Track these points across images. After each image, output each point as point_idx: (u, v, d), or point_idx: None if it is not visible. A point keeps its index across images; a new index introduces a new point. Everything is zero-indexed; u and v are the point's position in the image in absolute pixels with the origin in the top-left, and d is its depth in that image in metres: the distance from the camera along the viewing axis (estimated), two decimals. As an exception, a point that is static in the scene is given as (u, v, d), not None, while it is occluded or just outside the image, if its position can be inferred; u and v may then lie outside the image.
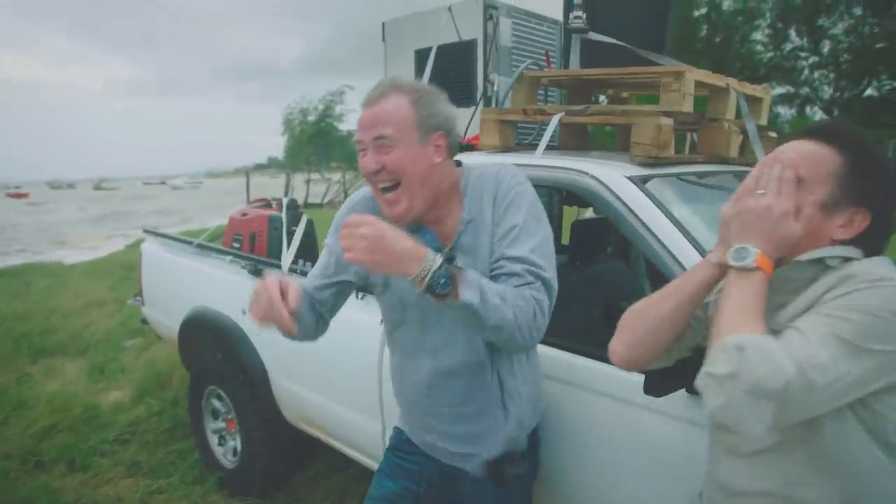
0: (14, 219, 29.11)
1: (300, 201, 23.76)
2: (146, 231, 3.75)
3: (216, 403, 3.08)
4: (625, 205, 1.68)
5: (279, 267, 2.64)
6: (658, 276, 2.38)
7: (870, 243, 1.07)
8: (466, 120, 2.47)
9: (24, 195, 59.41)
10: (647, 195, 1.68)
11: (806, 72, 21.22)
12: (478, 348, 1.40)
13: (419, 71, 2.60)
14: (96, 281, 8.60)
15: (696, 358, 1.32)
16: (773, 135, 2.32)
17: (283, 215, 2.84)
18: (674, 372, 1.35)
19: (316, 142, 23.53)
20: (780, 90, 20.68)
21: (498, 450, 1.45)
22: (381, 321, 1.70)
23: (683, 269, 1.53)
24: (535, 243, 1.30)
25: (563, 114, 1.94)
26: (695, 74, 1.88)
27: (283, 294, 1.26)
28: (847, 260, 1.05)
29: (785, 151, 1.10)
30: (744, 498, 1.11)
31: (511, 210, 1.33)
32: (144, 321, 3.78)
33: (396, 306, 1.48)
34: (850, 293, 0.96)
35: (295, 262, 2.67)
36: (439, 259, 1.18)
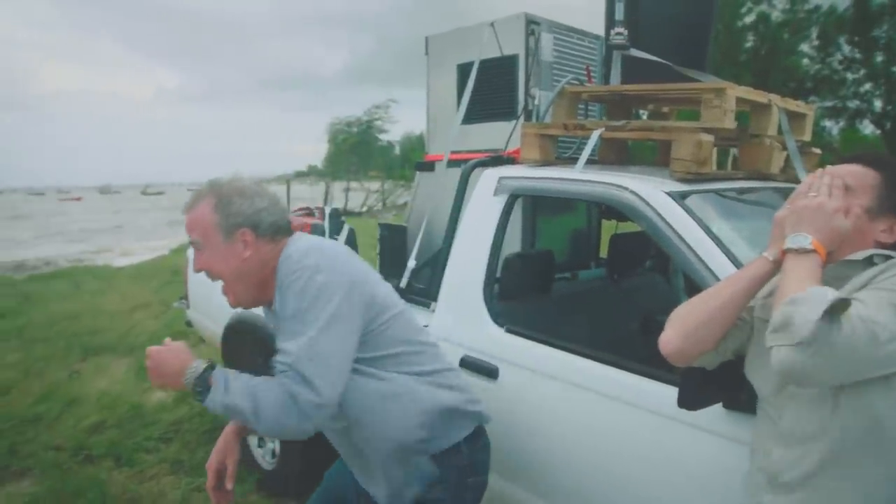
0: (70, 220, 30.33)
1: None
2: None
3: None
4: (663, 220, 1.69)
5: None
6: (696, 292, 2.37)
7: None
8: (507, 133, 2.51)
9: (77, 199, 61.92)
10: (685, 211, 1.69)
11: (855, 84, 20.57)
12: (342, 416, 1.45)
13: (461, 85, 2.65)
14: (142, 283, 8.89)
15: (733, 372, 1.32)
16: (817, 151, 2.29)
17: (326, 224, 2.92)
18: (709, 385, 1.35)
19: (357, 151, 23.93)
20: (826, 103, 20.11)
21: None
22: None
23: (713, 275, 1.54)
24: (300, 333, 1.29)
25: (603, 129, 1.97)
26: (736, 91, 1.88)
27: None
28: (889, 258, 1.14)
29: (831, 168, 1.24)
30: None
31: (287, 297, 1.33)
32: (189, 324, 3.90)
33: None
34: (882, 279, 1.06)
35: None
36: (200, 369, 1.31)
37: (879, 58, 19.63)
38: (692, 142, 1.79)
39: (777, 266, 1.15)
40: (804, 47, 20.72)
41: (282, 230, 1.47)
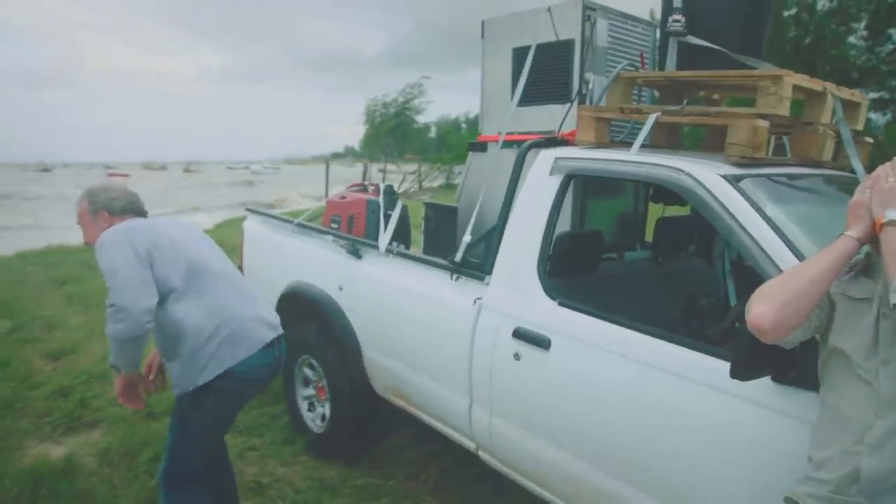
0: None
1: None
2: (248, 209, 4.06)
3: (308, 372, 3.34)
4: (718, 201, 1.77)
5: (376, 247, 2.84)
6: (741, 274, 2.44)
7: None
8: (561, 116, 2.59)
9: (125, 176, 63.75)
10: (740, 193, 1.76)
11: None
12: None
13: (516, 68, 2.73)
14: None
15: (780, 349, 1.41)
16: (869, 140, 2.32)
17: (381, 200, 3.04)
18: (760, 359, 1.44)
19: (394, 133, 24.07)
20: (872, 95, 19.39)
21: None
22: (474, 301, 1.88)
23: (776, 265, 1.60)
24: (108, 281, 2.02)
25: (659, 113, 2.04)
26: (793, 79, 1.93)
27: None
28: None
29: None
30: None
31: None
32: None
33: None
34: None
35: (391, 243, 2.87)
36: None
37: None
38: (749, 127, 1.85)
39: (861, 244, 1.28)
40: (851, 38, 19.98)
41: (127, 210, 2.26)
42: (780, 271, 1.59)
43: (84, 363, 4.46)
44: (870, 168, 1.63)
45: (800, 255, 1.60)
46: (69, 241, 10.39)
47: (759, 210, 1.72)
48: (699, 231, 2.85)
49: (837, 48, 19.90)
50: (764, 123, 1.87)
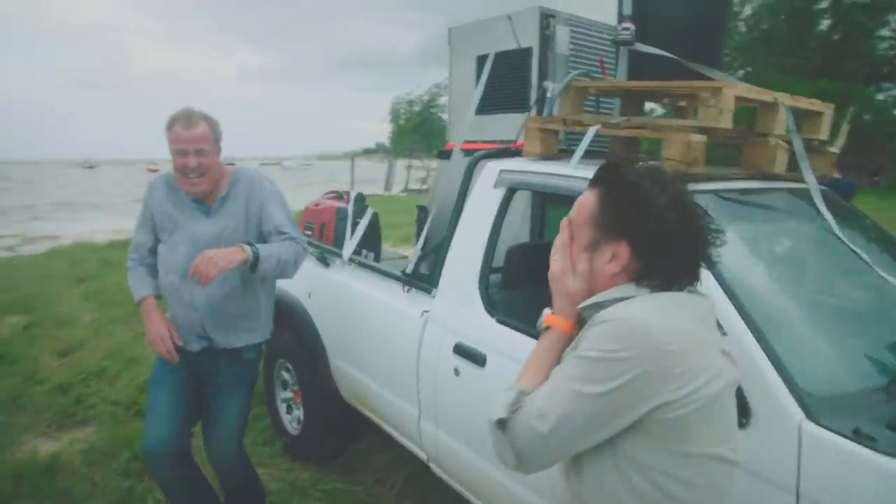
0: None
1: (401, 187, 24.65)
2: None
3: (285, 375, 3.39)
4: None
5: (341, 255, 2.86)
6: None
7: (655, 274, 1.07)
8: (521, 125, 2.55)
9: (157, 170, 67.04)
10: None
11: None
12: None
13: (479, 76, 2.71)
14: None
15: None
16: (834, 150, 2.22)
17: (350, 207, 3.05)
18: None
19: (419, 130, 24.16)
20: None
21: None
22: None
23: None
24: (290, 220, 2.24)
25: (599, 126, 1.99)
26: (736, 90, 1.86)
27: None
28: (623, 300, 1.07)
29: (570, 214, 1.18)
30: None
31: (273, 201, 2.23)
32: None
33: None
34: (582, 339, 1.04)
35: (357, 252, 2.88)
36: (251, 248, 2.05)
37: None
38: (682, 142, 1.79)
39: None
40: (883, 31, 19.07)
41: None
42: None
43: (88, 360, 4.61)
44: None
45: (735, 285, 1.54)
46: (93, 239, 10.77)
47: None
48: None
49: (867, 42, 19.06)
50: (699, 138, 1.80)
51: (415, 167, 25.72)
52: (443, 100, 23.90)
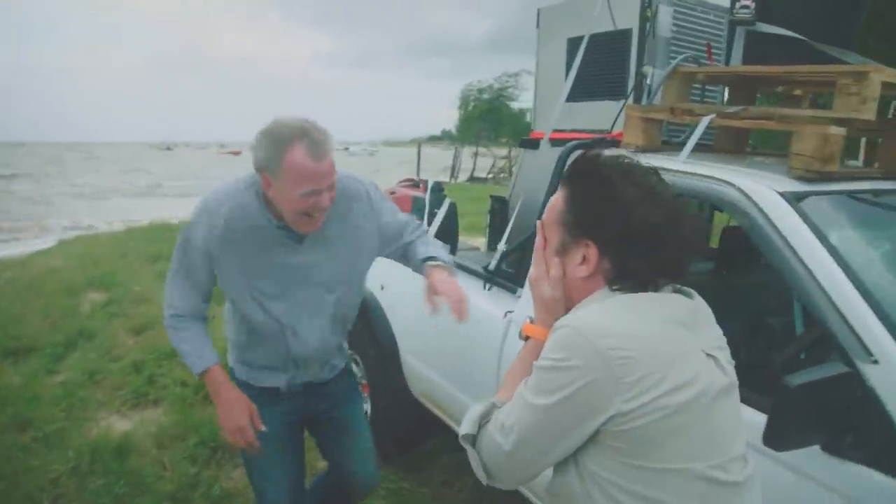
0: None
1: (467, 175, 24.55)
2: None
3: (353, 367, 3.31)
4: (772, 225, 1.50)
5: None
6: (805, 308, 2.11)
7: (628, 275, 0.99)
8: (615, 113, 2.35)
9: (237, 153, 70.61)
10: (800, 215, 1.49)
11: None
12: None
13: (571, 60, 2.51)
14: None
15: (837, 407, 1.17)
16: None
17: (427, 197, 2.93)
18: (807, 421, 1.19)
19: (487, 118, 23.96)
20: None
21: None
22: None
23: (837, 309, 1.34)
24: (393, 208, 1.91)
25: (714, 116, 1.77)
26: (883, 74, 1.61)
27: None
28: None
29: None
30: None
31: (387, 206, 1.87)
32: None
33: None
34: (545, 347, 0.97)
35: (432, 244, 2.75)
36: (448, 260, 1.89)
37: None
38: (817, 135, 1.56)
39: None
40: None
41: None
42: (844, 318, 1.32)
43: (160, 339, 4.70)
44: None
45: (871, 299, 1.32)
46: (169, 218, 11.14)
47: (821, 238, 1.44)
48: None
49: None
50: (839, 130, 1.57)
51: (481, 155, 25.52)
52: (511, 90, 23.63)
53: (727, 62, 2.04)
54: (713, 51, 2.39)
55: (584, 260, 1.01)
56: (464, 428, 1.04)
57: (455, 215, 3.06)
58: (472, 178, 23.47)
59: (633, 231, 0.96)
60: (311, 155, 1.49)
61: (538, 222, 1.10)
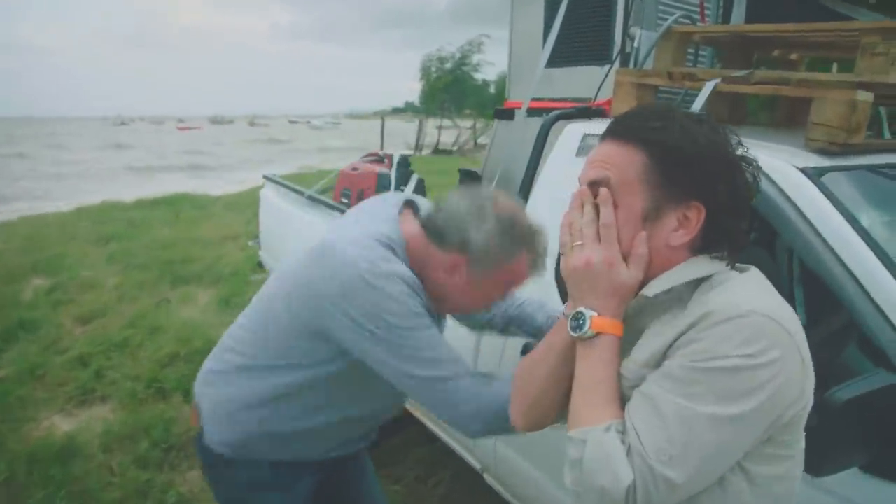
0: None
1: (431, 147, 24.18)
2: (266, 177, 3.79)
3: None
4: (791, 203, 1.32)
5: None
6: (811, 280, 1.95)
7: (724, 241, 0.88)
8: (599, 80, 2.14)
9: (198, 128, 68.07)
10: (823, 192, 1.31)
11: None
12: None
13: (548, 23, 2.28)
14: (236, 214, 9.19)
15: (877, 422, 1.00)
16: None
17: (393, 173, 2.69)
18: (843, 443, 1.02)
19: (450, 89, 23.54)
20: None
21: None
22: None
23: (864, 290, 1.17)
24: None
25: (719, 80, 1.57)
26: (912, 33, 1.43)
27: None
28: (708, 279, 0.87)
29: (586, 176, 0.90)
30: None
31: None
32: (261, 264, 3.87)
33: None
34: (701, 341, 0.79)
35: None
36: None
37: None
38: (844, 102, 1.37)
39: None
40: None
41: None
42: (874, 303, 1.16)
43: (110, 328, 4.40)
44: None
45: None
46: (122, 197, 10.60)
47: (847, 216, 1.27)
48: (759, 216, 2.37)
49: None
50: (867, 96, 1.38)
51: (445, 127, 25.08)
52: (474, 59, 23.12)
53: (724, 21, 1.84)
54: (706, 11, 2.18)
55: (681, 225, 0.86)
56: (622, 480, 0.76)
57: (423, 191, 2.85)
58: (436, 151, 23.10)
59: (740, 189, 0.87)
60: (534, 266, 1.32)
61: (584, 191, 0.90)
